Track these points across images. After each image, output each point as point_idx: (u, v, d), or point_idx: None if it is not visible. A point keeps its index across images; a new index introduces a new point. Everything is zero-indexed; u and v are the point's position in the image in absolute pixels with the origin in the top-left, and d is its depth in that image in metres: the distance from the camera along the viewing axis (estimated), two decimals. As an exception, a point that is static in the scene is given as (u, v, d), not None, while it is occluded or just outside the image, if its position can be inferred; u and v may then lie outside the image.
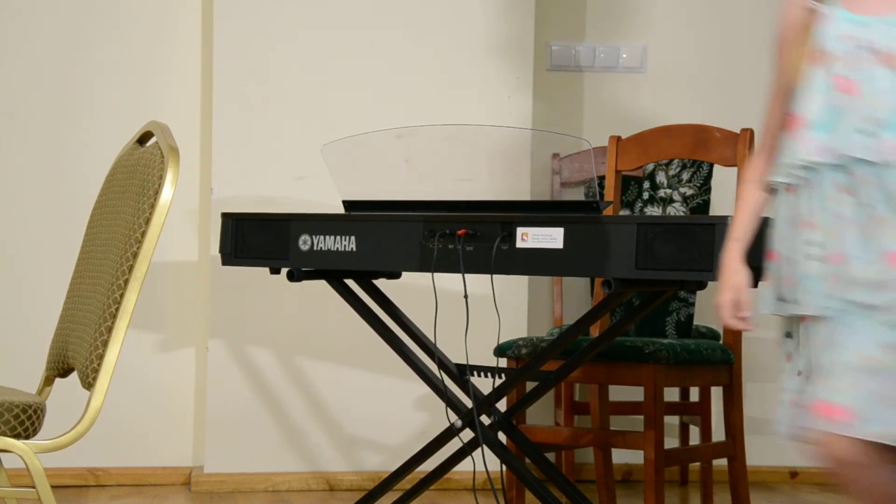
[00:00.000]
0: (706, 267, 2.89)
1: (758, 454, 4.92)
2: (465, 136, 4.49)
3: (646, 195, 4.13)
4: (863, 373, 2.29)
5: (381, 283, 3.98)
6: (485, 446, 3.44)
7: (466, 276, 3.20)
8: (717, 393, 4.70)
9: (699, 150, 3.81)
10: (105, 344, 2.64)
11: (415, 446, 4.47)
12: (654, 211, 4.10)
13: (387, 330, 3.61)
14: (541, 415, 4.82)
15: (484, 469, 3.39)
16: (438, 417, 4.51)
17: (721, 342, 3.78)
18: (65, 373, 2.99)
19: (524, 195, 4.55)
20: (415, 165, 4.47)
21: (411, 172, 4.46)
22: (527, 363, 3.53)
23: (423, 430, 4.59)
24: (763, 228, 2.91)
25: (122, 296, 2.64)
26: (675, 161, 4.08)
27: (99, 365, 2.65)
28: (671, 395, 4.76)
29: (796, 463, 4.97)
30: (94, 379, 2.65)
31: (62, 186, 4.61)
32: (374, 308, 3.65)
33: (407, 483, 4.16)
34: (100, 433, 4.59)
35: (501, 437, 3.88)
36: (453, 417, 3.55)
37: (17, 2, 4.59)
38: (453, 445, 3.64)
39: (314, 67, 4.57)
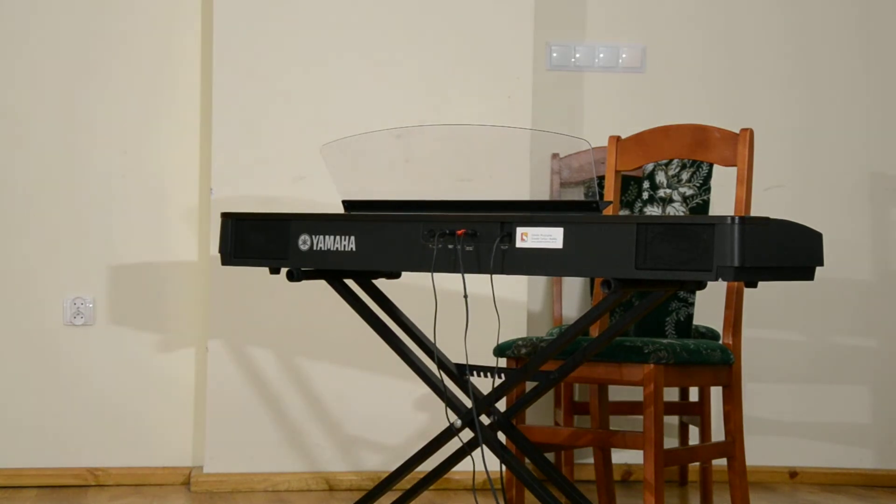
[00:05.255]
0: (706, 267, 2.89)
1: (757, 454, 4.92)
2: (465, 136, 4.49)
3: (645, 195, 4.13)
4: None
5: (381, 283, 3.98)
6: (484, 446, 3.44)
7: (466, 276, 3.20)
8: (716, 393, 4.70)
9: (699, 150, 3.81)
10: None
11: (414, 446, 4.47)
12: (653, 211, 4.10)
13: (386, 330, 3.61)
14: (540, 415, 4.82)
15: (484, 469, 3.39)
16: (438, 417, 4.52)
17: (721, 342, 3.78)
18: None
19: (524, 195, 4.56)
20: (415, 165, 4.47)
21: (411, 172, 4.46)
22: (526, 363, 3.53)
23: (423, 430, 4.59)
24: (762, 228, 2.91)
25: None
26: (675, 161, 4.08)
27: None
28: (671, 395, 4.77)
29: (796, 463, 4.98)
30: None
31: (66, 186, 4.61)
32: (373, 308, 3.65)
33: (406, 483, 4.16)
34: (100, 433, 4.60)
35: (501, 437, 3.88)
36: (453, 417, 3.55)
37: (22, 4, 4.60)
38: (453, 445, 3.64)
39: (314, 67, 4.57)
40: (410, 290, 4.19)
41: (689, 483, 4.83)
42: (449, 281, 3.73)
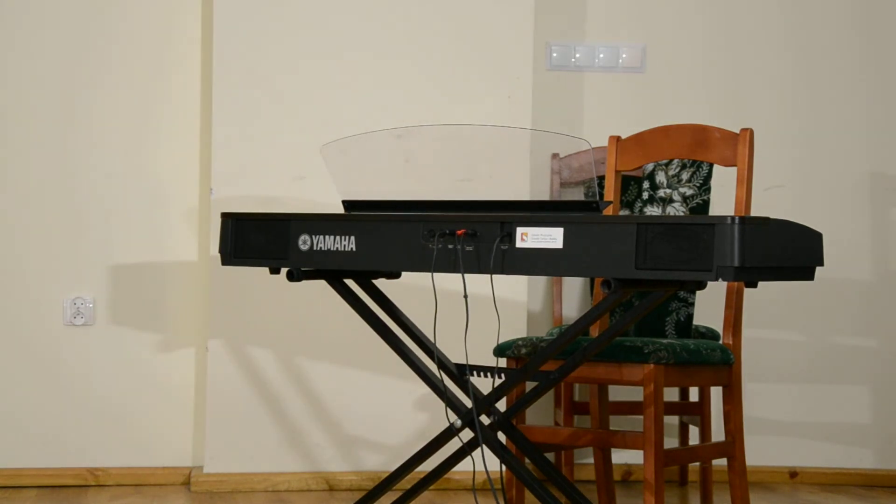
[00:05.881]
0: (706, 267, 2.89)
1: (757, 454, 4.92)
2: (465, 136, 4.49)
3: (645, 195, 4.13)
4: None
5: (381, 283, 3.98)
6: (484, 446, 3.44)
7: (466, 276, 3.20)
8: (716, 393, 4.70)
9: (699, 150, 3.81)
10: None
11: (415, 446, 4.47)
12: (653, 211, 4.10)
13: (386, 330, 3.61)
14: (540, 415, 4.82)
15: (484, 469, 3.39)
16: (438, 417, 4.52)
17: (721, 342, 3.78)
18: None
19: (524, 195, 4.56)
20: (415, 165, 4.47)
21: (411, 172, 4.46)
22: (526, 363, 3.53)
23: (423, 430, 4.59)
24: (762, 228, 2.91)
25: None
26: (675, 161, 4.08)
27: None
28: (671, 395, 4.77)
29: (796, 463, 4.98)
30: None
31: (67, 186, 4.61)
32: (373, 308, 3.65)
33: (407, 483, 4.16)
34: (100, 433, 4.60)
35: (501, 437, 3.88)
36: (453, 417, 3.55)
37: (22, 3, 4.60)
38: (453, 445, 3.64)
39: (314, 67, 4.57)
40: (410, 290, 4.19)
41: (689, 483, 4.83)
42: (449, 281, 3.73)
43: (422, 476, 3.68)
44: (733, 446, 3.76)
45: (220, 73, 4.52)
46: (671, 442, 4.84)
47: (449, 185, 4.51)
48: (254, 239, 3.53)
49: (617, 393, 4.83)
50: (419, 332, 3.63)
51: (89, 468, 4.60)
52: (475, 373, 3.52)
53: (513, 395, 3.77)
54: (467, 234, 3.19)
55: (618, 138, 3.97)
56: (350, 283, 3.65)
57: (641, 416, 4.26)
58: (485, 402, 3.49)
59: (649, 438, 3.54)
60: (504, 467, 3.58)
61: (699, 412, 4.53)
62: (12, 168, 4.59)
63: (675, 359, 3.57)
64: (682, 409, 4.61)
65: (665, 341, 3.62)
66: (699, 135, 3.82)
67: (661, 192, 4.10)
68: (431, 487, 4.40)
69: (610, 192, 3.96)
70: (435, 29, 4.62)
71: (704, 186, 4.05)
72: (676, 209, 4.06)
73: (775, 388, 5.01)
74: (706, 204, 4.05)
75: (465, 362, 3.56)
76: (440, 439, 3.59)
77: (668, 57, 4.99)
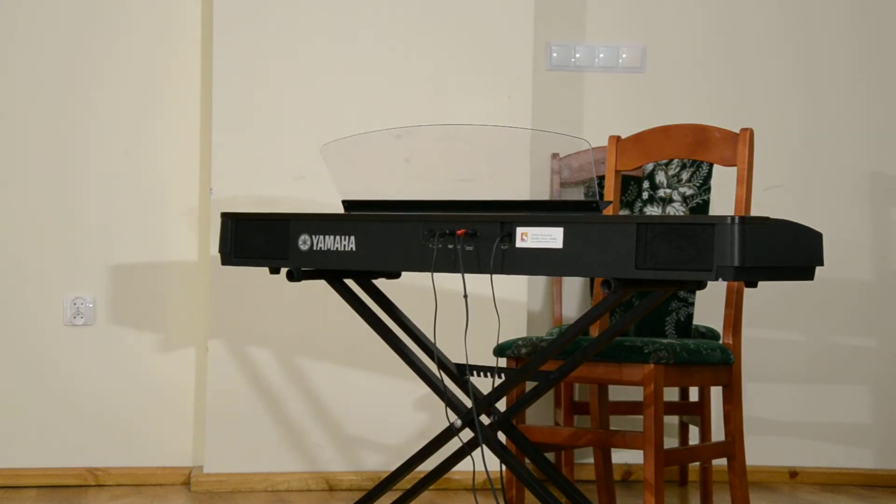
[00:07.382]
0: (706, 267, 2.89)
1: (757, 454, 4.92)
2: (465, 136, 4.49)
3: (645, 195, 4.13)
4: None
5: (381, 283, 3.98)
6: (484, 446, 3.44)
7: (466, 276, 3.20)
8: (716, 393, 4.70)
9: (699, 150, 3.81)
10: None
11: (415, 446, 4.47)
12: (653, 211, 4.10)
13: (386, 330, 3.61)
14: (540, 415, 4.82)
15: (484, 469, 3.39)
16: (438, 417, 4.52)
17: (721, 342, 3.78)
18: None
19: (524, 195, 4.56)
20: (415, 165, 4.47)
21: (411, 172, 4.46)
22: (526, 363, 3.53)
23: (423, 430, 4.59)
24: (762, 228, 2.91)
25: None
26: (675, 161, 4.08)
27: None
28: (671, 395, 4.77)
29: (796, 463, 4.98)
30: None
31: (66, 186, 4.61)
32: (373, 308, 3.65)
33: (407, 483, 4.16)
34: (100, 433, 4.60)
35: (501, 437, 3.88)
36: (453, 417, 3.55)
37: (21, 2, 4.60)
38: (453, 445, 3.64)
39: (314, 68, 4.57)
40: (410, 290, 4.19)
41: (689, 483, 4.83)
42: (449, 281, 3.73)
43: (422, 476, 3.68)
44: (733, 446, 3.76)
45: (220, 72, 4.52)
46: (671, 442, 4.84)
47: (449, 185, 4.51)
48: (254, 239, 3.53)
49: (617, 393, 4.83)
50: (419, 332, 3.62)
51: (89, 468, 4.60)
52: (475, 373, 3.52)
53: (513, 395, 3.77)
54: (467, 234, 3.19)
55: (618, 138, 3.97)
56: (350, 283, 3.65)
57: (641, 416, 4.25)
58: (485, 402, 3.49)
59: (649, 438, 3.54)
60: (504, 467, 3.58)
61: (699, 412, 4.53)
62: (12, 168, 4.59)
63: (675, 359, 3.57)
64: (682, 409, 4.61)
65: (665, 341, 3.62)
66: (699, 135, 3.82)
67: (661, 192, 4.10)
68: (431, 487, 4.40)
69: (610, 192, 3.96)
70: (435, 29, 4.62)
71: (704, 186, 4.05)
72: (676, 209, 4.06)
73: (775, 388, 5.01)
74: (706, 204, 4.05)
75: (465, 362, 3.56)
76: (440, 439, 3.59)
77: (668, 57, 4.99)
